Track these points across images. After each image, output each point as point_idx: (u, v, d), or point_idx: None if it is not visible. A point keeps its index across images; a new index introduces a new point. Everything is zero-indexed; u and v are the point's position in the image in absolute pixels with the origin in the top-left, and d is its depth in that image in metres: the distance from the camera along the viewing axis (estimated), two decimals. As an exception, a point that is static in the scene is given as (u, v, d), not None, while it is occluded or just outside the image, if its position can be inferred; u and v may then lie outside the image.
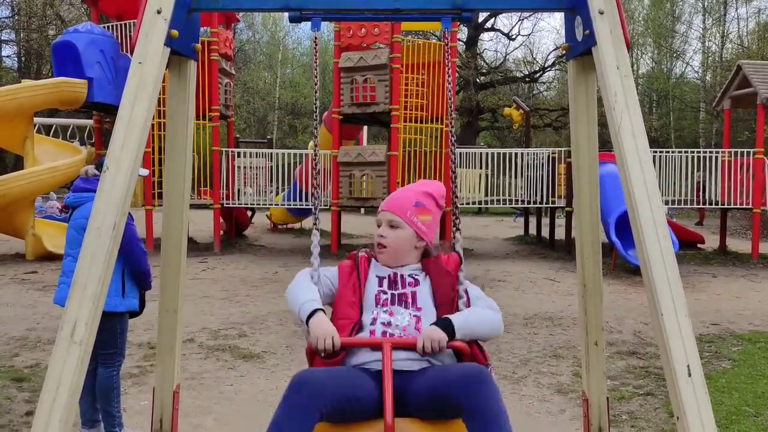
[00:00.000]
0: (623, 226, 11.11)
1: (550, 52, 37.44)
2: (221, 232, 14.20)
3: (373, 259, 2.37)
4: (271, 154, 14.81)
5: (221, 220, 14.28)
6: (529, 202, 14.89)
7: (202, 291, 9.18)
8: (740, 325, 7.56)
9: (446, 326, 2.13)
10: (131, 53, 2.75)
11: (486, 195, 16.02)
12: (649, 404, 4.83)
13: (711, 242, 14.73)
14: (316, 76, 2.68)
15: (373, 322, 2.17)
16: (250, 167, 14.57)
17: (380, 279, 2.26)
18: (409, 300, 2.20)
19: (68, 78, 11.93)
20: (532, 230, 17.14)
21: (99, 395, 3.99)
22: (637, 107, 2.59)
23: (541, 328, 7.32)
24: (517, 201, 15.19)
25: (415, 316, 2.17)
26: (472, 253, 13.91)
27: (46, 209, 17.86)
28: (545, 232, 15.83)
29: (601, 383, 3.72)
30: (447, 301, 2.25)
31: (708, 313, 8.09)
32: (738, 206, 13.46)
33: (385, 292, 2.22)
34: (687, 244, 13.75)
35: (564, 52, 3.18)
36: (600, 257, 3.58)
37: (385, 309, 2.18)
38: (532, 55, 40.84)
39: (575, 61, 3.15)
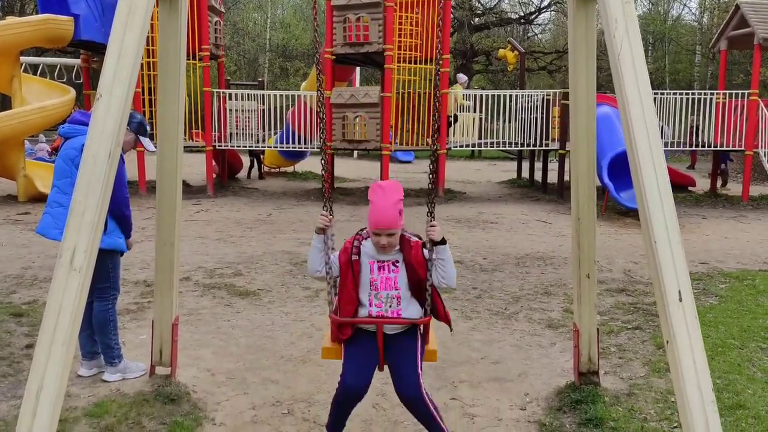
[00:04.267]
0: (616, 170, 11.15)
1: (547, -7, 36.59)
2: (214, 175, 14.15)
3: (362, 246, 3.04)
4: (263, 96, 14.60)
5: (213, 163, 14.20)
6: (522, 145, 14.85)
7: (196, 232, 9.21)
8: (728, 263, 7.70)
9: (444, 240, 2.98)
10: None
11: (479, 138, 15.94)
12: (637, 337, 4.95)
13: (702, 185, 14.82)
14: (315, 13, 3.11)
15: (370, 303, 3.00)
16: (242, 110, 14.38)
17: (371, 265, 3.01)
18: (392, 282, 3.00)
19: (54, 15, 11.63)
20: (525, 174, 17.16)
21: (96, 328, 4.05)
22: (637, 35, 2.56)
23: (533, 267, 7.42)
24: (510, 144, 15.12)
25: (395, 296, 3.00)
26: (465, 196, 13.96)
27: (36, 151, 17.69)
28: (538, 176, 15.86)
29: (592, 315, 3.82)
30: (417, 284, 3.02)
31: (697, 253, 8.21)
32: (731, 148, 13.48)
33: (376, 280, 2.99)
34: (678, 187, 13.83)
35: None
36: (594, 191, 3.61)
37: (376, 293, 3.00)
38: (528, -5, 39.93)
39: (575, -10, 3.10)
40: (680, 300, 2.36)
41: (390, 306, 2.98)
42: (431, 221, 2.96)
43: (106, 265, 3.92)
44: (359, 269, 3.00)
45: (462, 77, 16.45)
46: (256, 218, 10.71)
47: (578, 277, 3.70)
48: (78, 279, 2.38)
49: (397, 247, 3.00)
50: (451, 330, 3.28)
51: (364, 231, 3.07)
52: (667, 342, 2.40)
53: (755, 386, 3.97)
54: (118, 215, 3.92)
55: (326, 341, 3.15)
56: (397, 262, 3.00)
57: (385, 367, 3.04)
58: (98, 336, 4.06)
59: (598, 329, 3.91)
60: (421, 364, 2.97)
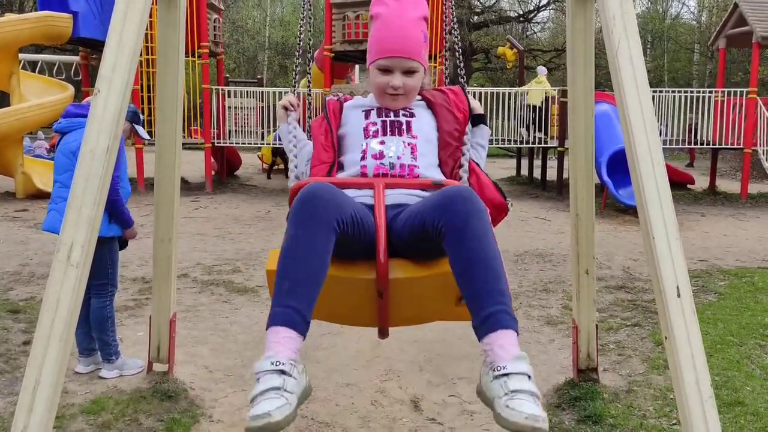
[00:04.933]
0: (614, 167, 11.15)
1: (546, -9, 36.57)
2: (213, 172, 14.13)
3: (348, 99, 2.15)
4: (262, 93, 14.58)
5: (212, 160, 14.18)
6: (521, 143, 14.84)
7: (195, 229, 9.20)
8: (727, 261, 7.70)
9: (483, 118, 2.08)
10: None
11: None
12: (636, 334, 4.95)
13: (701, 183, 14.82)
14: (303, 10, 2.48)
15: (363, 156, 1.91)
16: (241, 107, 14.36)
17: (367, 111, 2.02)
18: (404, 127, 1.93)
19: (53, 12, 11.61)
20: (524, 171, 17.16)
21: (93, 325, 4.04)
22: (635, 32, 2.55)
23: (532, 264, 7.41)
24: (509, 141, 15.11)
25: (410, 144, 1.89)
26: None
27: (34, 148, 17.67)
28: (537, 173, 15.85)
29: (591, 311, 3.81)
30: (451, 137, 1.96)
31: (696, 250, 8.21)
32: (729, 146, 13.48)
33: (374, 123, 1.98)
34: (677, 185, 13.83)
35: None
36: (593, 187, 3.60)
37: (376, 139, 1.92)
38: (527, -7, 39.92)
39: (574, -14, 3.09)
40: (678, 295, 2.35)
41: (399, 158, 1.90)
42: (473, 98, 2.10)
43: (104, 257, 3.91)
44: (338, 113, 2.08)
45: (543, 69, 16.43)
46: (255, 215, 10.70)
47: (577, 273, 3.70)
48: (75, 274, 2.37)
49: (418, 99, 2.08)
50: (509, 208, 2.16)
51: (360, 93, 2.22)
52: (666, 338, 2.39)
53: (754, 383, 3.97)
54: (108, 203, 3.91)
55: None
56: (412, 109, 2.04)
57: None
58: (95, 333, 4.06)
59: (597, 326, 3.90)
60: (495, 242, 1.73)
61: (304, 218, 1.58)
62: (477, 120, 2.10)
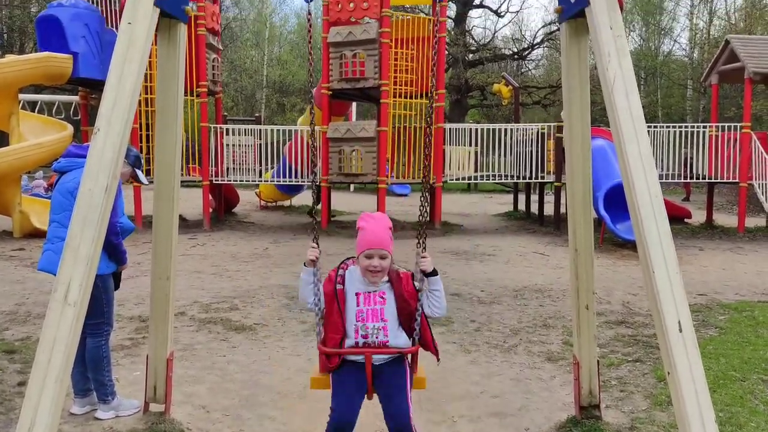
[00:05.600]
0: (611, 201, 11.19)
1: (539, 29, 37.38)
2: (210, 210, 14.15)
3: (347, 274, 3.07)
4: (260, 131, 14.70)
5: (210, 197, 14.22)
6: (518, 178, 14.93)
7: (192, 266, 9.16)
8: (726, 295, 7.67)
9: (435, 272, 3.04)
10: (117, 28, 2.71)
11: (475, 171, 16.03)
12: (637, 370, 4.90)
13: (698, 217, 14.86)
14: (310, 52, 3.33)
15: (356, 333, 3.01)
16: (239, 145, 14.48)
17: (357, 297, 3.02)
18: (378, 314, 3.01)
19: (53, 53, 11.76)
20: (522, 206, 17.22)
21: (89, 365, 3.99)
22: (630, 67, 2.59)
23: (531, 299, 7.38)
24: (506, 177, 15.21)
25: (382, 327, 3.00)
26: (462, 229, 13.96)
27: (32, 188, 17.69)
28: (534, 208, 15.91)
29: (592, 347, 3.78)
30: (405, 314, 3.05)
31: (695, 284, 8.19)
32: (725, 180, 13.57)
33: (362, 312, 3.00)
34: (674, 219, 13.87)
35: (557, 14, 3.17)
36: (591, 222, 3.61)
37: (362, 324, 3.00)
38: (520, 32, 40.73)
39: (568, 24, 3.15)
40: (680, 330, 2.34)
41: (377, 337, 2.99)
42: (422, 252, 2.99)
43: (100, 295, 3.88)
44: (344, 299, 3.03)
45: None
46: (253, 252, 10.67)
47: (577, 308, 3.68)
48: (72, 314, 2.35)
49: (386, 279, 3.02)
50: (438, 361, 3.23)
51: (350, 260, 3.12)
52: (668, 373, 2.37)
53: (758, 419, 3.91)
54: (105, 243, 3.90)
55: (315, 371, 3.17)
56: (384, 294, 3.02)
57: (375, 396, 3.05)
58: (91, 373, 4.00)
59: (598, 362, 3.86)
60: (411, 393, 2.98)
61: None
62: (431, 274, 3.01)
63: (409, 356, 3.07)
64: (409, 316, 3.01)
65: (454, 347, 5.54)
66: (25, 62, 11.95)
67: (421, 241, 3.00)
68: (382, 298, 3.01)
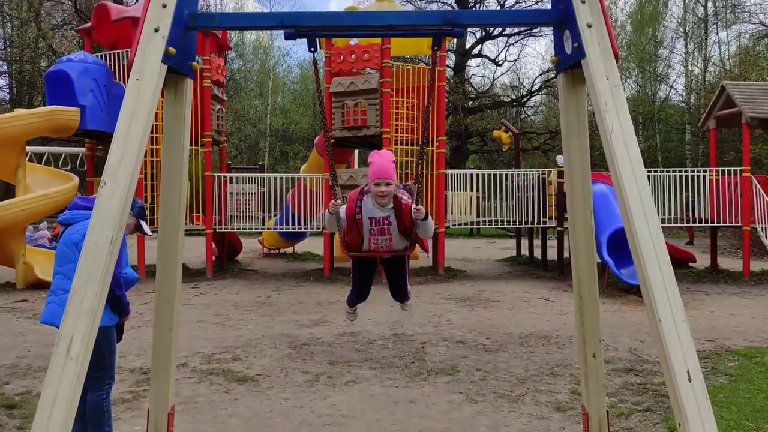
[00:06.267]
0: (615, 246, 11.17)
1: (537, 77, 37.95)
2: (213, 258, 14.14)
3: (362, 201, 3.83)
4: (263, 179, 14.82)
5: (213, 245, 14.23)
6: (520, 223, 14.94)
7: (194, 316, 9.10)
8: (735, 341, 7.57)
9: (427, 215, 3.82)
10: (125, 82, 2.78)
11: (477, 216, 16.06)
12: (648, 420, 4.80)
13: (702, 261, 14.80)
14: (319, 94, 3.89)
15: (369, 243, 3.89)
16: (242, 193, 14.57)
17: (370, 221, 3.83)
18: (385, 232, 3.86)
19: (61, 106, 11.95)
20: (524, 251, 17.18)
21: (90, 419, 3.93)
22: (627, 115, 2.62)
23: (537, 346, 7.29)
24: (508, 222, 15.22)
25: (389, 239, 3.87)
26: (465, 274, 13.90)
27: (36, 239, 17.73)
28: (537, 253, 15.86)
29: (601, 396, 3.71)
30: (405, 231, 3.87)
31: (703, 330, 8.10)
32: (727, 224, 13.56)
33: (373, 230, 3.86)
34: (678, 263, 13.81)
35: (554, 65, 3.23)
36: (595, 267, 3.59)
37: (374, 238, 3.87)
38: (518, 80, 41.35)
39: (565, 75, 3.20)
40: (690, 380, 2.30)
41: (384, 244, 3.89)
42: (417, 205, 3.74)
43: (103, 349, 3.85)
44: (361, 223, 3.85)
45: (560, 159, 16.82)
46: (255, 300, 10.62)
47: (584, 356, 3.63)
48: (75, 368, 2.33)
49: (391, 205, 3.79)
50: (428, 254, 4.39)
51: (366, 187, 3.84)
52: (680, 425, 2.33)
53: (773, 470, 3.82)
54: (108, 295, 3.89)
55: (339, 251, 3.77)
56: (390, 218, 3.84)
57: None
58: (92, 427, 3.94)
59: (608, 411, 3.79)
60: (409, 272, 4.19)
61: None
62: (423, 219, 3.79)
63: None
64: (406, 231, 3.86)
65: (460, 397, 5.45)
66: (33, 115, 12.15)
67: (415, 198, 3.76)
68: (389, 221, 3.85)
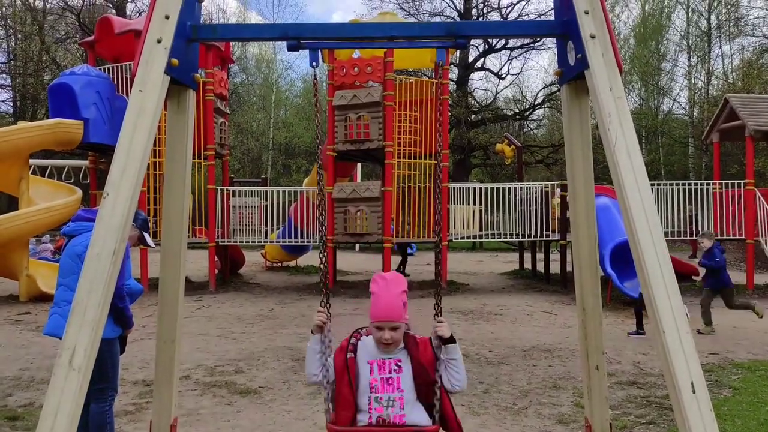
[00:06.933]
0: (618, 259, 11.13)
1: (540, 90, 38.05)
2: (216, 271, 14.14)
3: (359, 344, 2.80)
4: (266, 192, 14.85)
5: (216, 258, 14.23)
6: (523, 236, 14.93)
7: (197, 329, 9.09)
8: (739, 354, 7.53)
9: (452, 338, 2.76)
10: (128, 95, 2.80)
11: (480, 230, 16.05)
12: (652, 433, 4.77)
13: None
14: (317, 111, 3.22)
15: (369, 407, 2.69)
16: (245, 206, 14.59)
17: (371, 365, 2.73)
18: (394, 384, 2.71)
19: (64, 119, 12.01)
20: (527, 264, 17.14)
21: (93, 431, 3.91)
22: (631, 127, 2.63)
23: (540, 359, 7.26)
24: (511, 235, 15.21)
25: (398, 398, 2.69)
26: (468, 288, 13.87)
27: (39, 251, 17.75)
28: (540, 267, 15.82)
29: (604, 408, 3.68)
30: (423, 385, 2.73)
31: (706, 343, 8.05)
32: (731, 237, 13.52)
33: (376, 380, 2.70)
34: (682, 276, 13.75)
35: (557, 77, 3.24)
36: (598, 280, 3.58)
37: (376, 395, 2.69)
38: (522, 93, 41.47)
39: (568, 86, 3.21)
40: (694, 392, 2.29)
41: (392, 410, 2.65)
42: (439, 316, 2.75)
43: (106, 361, 3.84)
44: (356, 370, 2.71)
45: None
46: (258, 313, 10.60)
47: (587, 369, 3.61)
48: (77, 379, 2.33)
49: (402, 345, 2.75)
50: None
51: (363, 330, 2.85)
52: (684, 437, 2.31)
53: (780, 484, 3.78)
54: (111, 307, 3.90)
55: None
56: (400, 361, 2.73)
57: None
58: (94, 440, 3.93)
59: (611, 424, 3.76)
60: None
61: None
62: (448, 341, 2.73)
63: None
64: (427, 386, 2.69)
65: (462, 410, 5.41)
66: (37, 128, 12.20)
67: (437, 304, 2.78)
68: (398, 366, 2.72)
